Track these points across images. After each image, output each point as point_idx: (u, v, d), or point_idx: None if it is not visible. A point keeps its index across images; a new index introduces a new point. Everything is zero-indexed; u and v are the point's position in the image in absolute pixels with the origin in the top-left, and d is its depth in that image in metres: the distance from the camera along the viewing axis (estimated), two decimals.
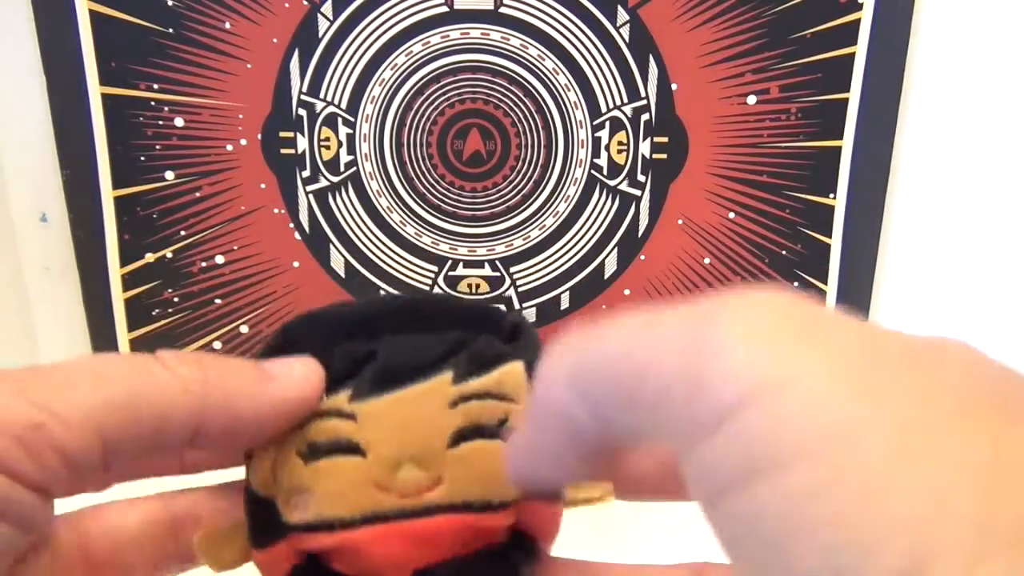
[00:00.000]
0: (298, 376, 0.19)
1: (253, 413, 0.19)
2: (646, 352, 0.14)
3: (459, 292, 0.50)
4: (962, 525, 0.11)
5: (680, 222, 0.48)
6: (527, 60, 0.45)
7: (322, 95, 0.46)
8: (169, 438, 0.18)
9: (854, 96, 0.45)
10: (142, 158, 0.47)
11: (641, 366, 0.14)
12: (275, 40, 0.45)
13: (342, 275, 0.50)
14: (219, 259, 0.49)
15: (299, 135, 0.47)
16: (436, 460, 0.19)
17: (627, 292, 0.50)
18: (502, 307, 0.21)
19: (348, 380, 0.20)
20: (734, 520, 0.13)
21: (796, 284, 0.49)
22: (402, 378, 0.20)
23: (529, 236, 0.49)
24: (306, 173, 0.47)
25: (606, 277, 0.50)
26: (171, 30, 0.45)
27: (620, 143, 0.47)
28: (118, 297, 0.49)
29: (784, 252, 0.49)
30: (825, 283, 0.49)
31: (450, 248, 0.49)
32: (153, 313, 0.50)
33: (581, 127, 0.47)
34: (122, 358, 0.18)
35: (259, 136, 0.47)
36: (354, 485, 0.19)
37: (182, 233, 0.48)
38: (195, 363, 0.18)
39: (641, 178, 0.47)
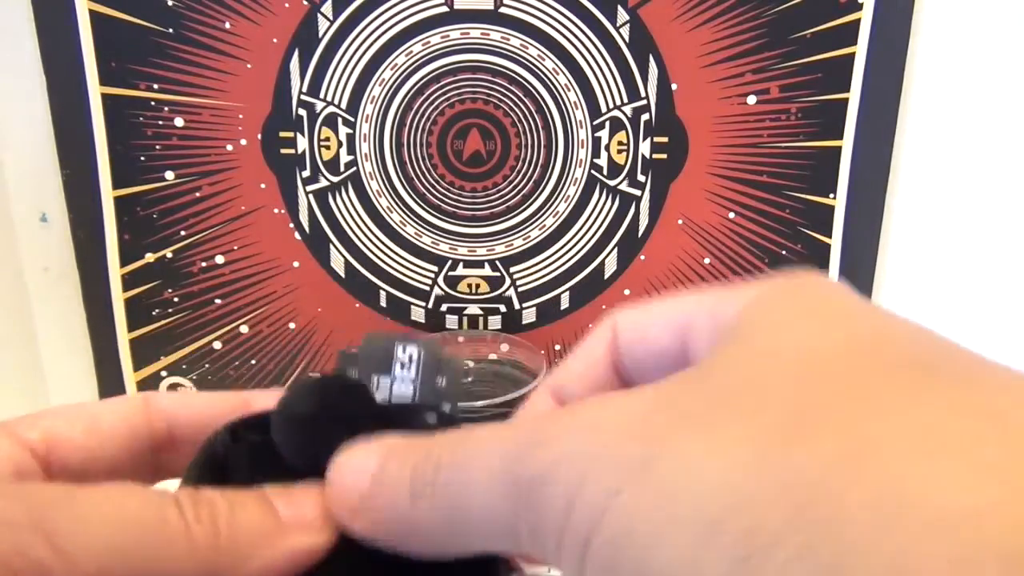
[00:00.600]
0: (309, 520, 0.18)
1: (266, 571, 0.18)
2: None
3: (459, 292, 0.50)
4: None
5: (680, 222, 0.48)
6: (527, 60, 0.45)
7: (322, 95, 0.46)
8: None
9: (854, 96, 0.45)
10: (142, 158, 0.47)
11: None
12: (275, 40, 0.45)
13: (342, 275, 0.50)
14: (219, 259, 0.49)
15: (299, 135, 0.47)
16: None
17: (627, 292, 0.50)
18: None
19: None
20: None
21: None
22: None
23: (529, 236, 0.49)
24: (306, 173, 0.47)
25: (606, 277, 0.50)
26: (171, 30, 0.45)
27: (620, 143, 0.47)
28: (118, 297, 0.49)
29: (784, 252, 0.49)
30: None
31: (450, 248, 0.49)
32: (153, 313, 0.50)
33: (581, 127, 0.47)
34: (142, 495, 0.18)
35: (259, 136, 0.47)
36: None
37: (182, 233, 0.48)
38: (209, 516, 0.17)
39: (641, 178, 0.47)
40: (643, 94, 0.46)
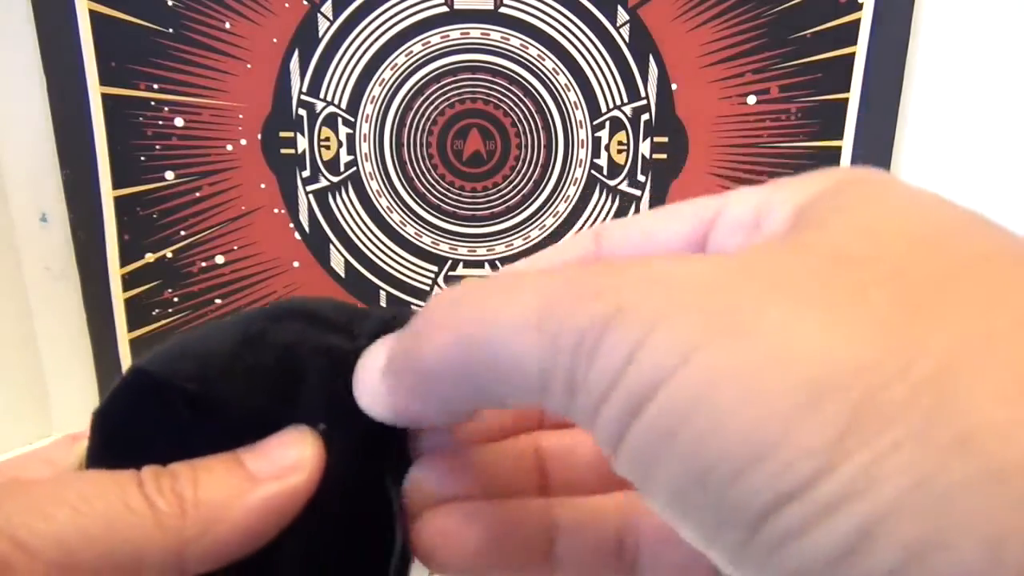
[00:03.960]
0: (285, 465, 0.18)
1: (240, 531, 0.17)
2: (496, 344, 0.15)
3: None
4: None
5: None
6: (527, 60, 0.45)
7: (322, 95, 0.46)
8: (148, 572, 0.17)
9: (854, 96, 0.45)
10: (142, 158, 0.47)
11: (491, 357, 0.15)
12: (275, 40, 0.45)
13: (342, 275, 0.50)
14: (219, 259, 0.49)
15: (299, 135, 0.47)
16: None
17: None
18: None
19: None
20: (626, 465, 0.14)
21: None
22: None
23: (529, 236, 0.49)
24: (306, 173, 0.47)
25: None
26: (171, 30, 0.45)
27: (620, 143, 0.47)
28: (118, 297, 0.49)
29: None
30: None
31: (450, 248, 0.49)
32: (153, 313, 0.50)
33: (581, 127, 0.47)
34: (103, 481, 0.17)
35: (259, 136, 0.47)
36: None
37: (182, 233, 0.48)
38: (171, 487, 0.17)
39: (641, 178, 0.48)
40: (643, 94, 0.46)
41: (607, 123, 0.46)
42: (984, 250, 0.13)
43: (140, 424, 0.19)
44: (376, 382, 0.17)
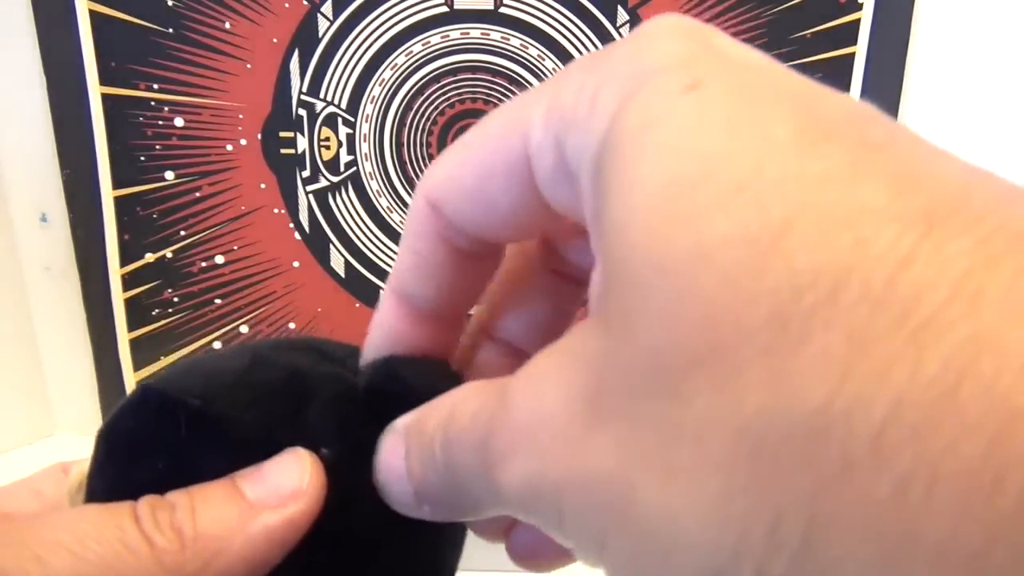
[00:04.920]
0: (284, 493, 0.17)
1: (241, 563, 0.17)
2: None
3: None
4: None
5: None
6: (527, 60, 0.45)
7: (322, 95, 0.46)
8: None
9: (854, 96, 0.45)
10: (142, 158, 0.47)
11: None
12: (275, 40, 0.45)
13: (342, 275, 0.50)
14: (219, 259, 0.49)
15: (299, 135, 0.47)
16: None
17: None
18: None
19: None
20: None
21: None
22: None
23: None
24: (306, 173, 0.47)
25: None
26: (171, 30, 0.45)
27: None
28: (118, 297, 0.49)
29: None
30: None
31: None
32: (153, 313, 0.50)
33: None
34: (98, 519, 0.17)
35: (259, 136, 0.47)
36: None
37: (182, 233, 0.48)
38: (169, 525, 0.17)
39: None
40: None
41: None
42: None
43: (145, 440, 0.18)
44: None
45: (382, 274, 0.50)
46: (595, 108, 0.14)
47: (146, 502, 0.17)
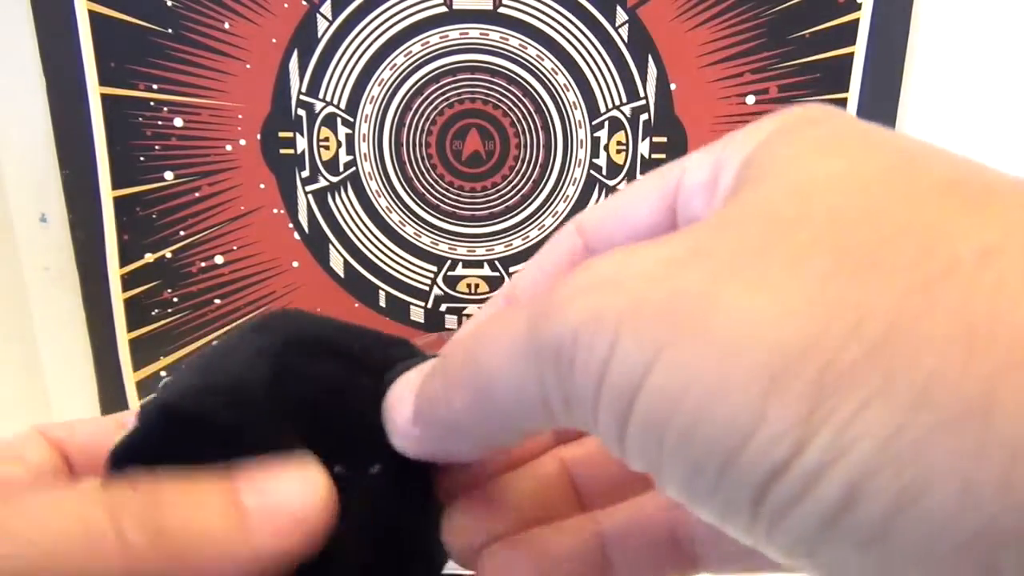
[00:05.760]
0: (290, 516, 0.15)
1: None
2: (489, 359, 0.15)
3: (458, 292, 0.50)
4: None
5: None
6: (526, 60, 0.45)
7: (321, 95, 0.46)
8: None
9: (853, 96, 0.45)
10: (141, 158, 0.47)
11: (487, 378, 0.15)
12: (274, 40, 0.45)
13: (341, 275, 0.50)
14: (218, 259, 0.49)
15: (298, 135, 0.47)
16: None
17: None
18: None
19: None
20: (637, 462, 0.14)
21: None
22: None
23: (528, 236, 0.49)
24: (305, 173, 0.48)
25: None
26: (170, 30, 0.45)
27: (619, 143, 0.47)
28: (118, 297, 0.49)
29: None
30: None
31: (449, 248, 0.49)
32: (153, 313, 0.50)
33: (580, 127, 0.47)
34: (65, 507, 0.14)
35: (258, 136, 0.47)
36: None
37: (181, 233, 0.48)
38: (149, 520, 0.14)
39: (640, 178, 0.47)
40: (642, 94, 0.46)
41: (606, 123, 0.46)
42: (933, 185, 0.13)
43: (168, 462, 0.16)
44: (408, 429, 0.18)
45: (381, 274, 0.50)
46: (749, 131, 0.16)
47: (125, 487, 0.15)
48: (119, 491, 0.15)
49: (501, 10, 0.44)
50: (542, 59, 0.45)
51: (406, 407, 0.18)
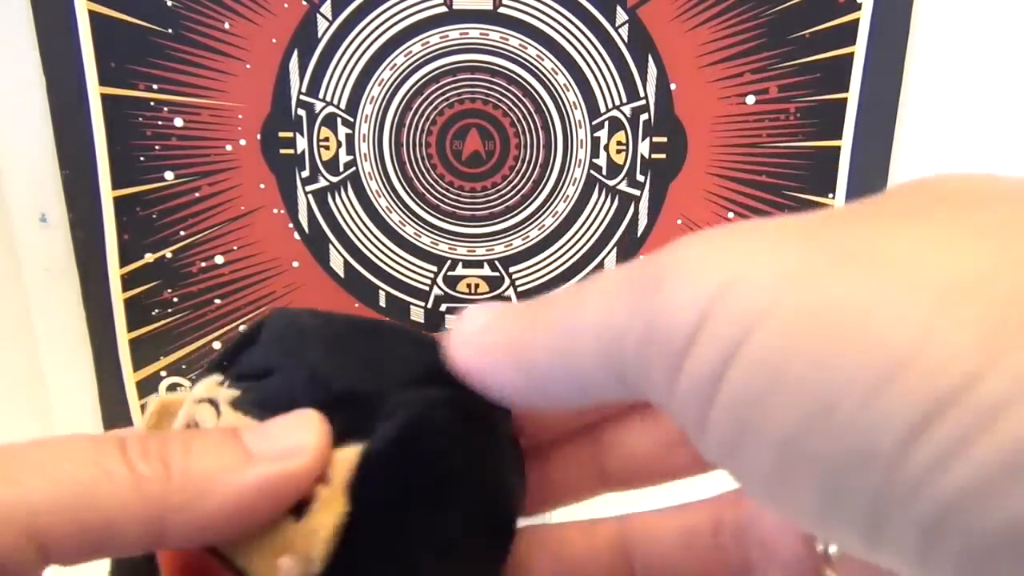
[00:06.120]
0: (286, 447, 0.16)
1: (229, 508, 0.16)
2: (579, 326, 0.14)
3: (458, 292, 0.50)
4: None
5: (679, 222, 0.48)
6: (526, 60, 0.45)
7: (321, 95, 0.46)
8: (121, 543, 0.16)
9: (853, 96, 0.45)
10: (141, 158, 0.47)
11: (577, 342, 0.14)
12: (274, 40, 0.45)
13: (341, 275, 0.50)
14: (219, 259, 0.49)
15: (298, 135, 0.47)
16: None
17: None
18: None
19: (249, 381, 0.18)
20: (723, 423, 0.12)
21: None
22: (269, 410, 0.18)
23: (528, 236, 0.49)
24: (305, 173, 0.48)
25: None
26: (170, 30, 0.45)
27: (619, 143, 0.47)
28: (118, 297, 0.49)
29: None
30: None
31: (449, 248, 0.49)
32: (153, 313, 0.50)
33: (580, 127, 0.47)
34: (83, 444, 0.16)
35: (258, 136, 0.47)
36: None
37: (182, 233, 0.48)
38: (158, 456, 0.16)
39: (640, 178, 0.48)
40: (642, 94, 0.46)
41: (606, 123, 0.46)
42: None
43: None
44: (475, 338, 0.17)
45: (381, 274, 0.50)
46: None
47: (137, 434, 0.17)
48: (130, 437, 0.16)
49: (501, 10, 0.44)
50: (542, 59, 0.45)
51: (479, 320, 0.17)
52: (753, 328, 0.11)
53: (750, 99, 0.46)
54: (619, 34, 0.45)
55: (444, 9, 0.44)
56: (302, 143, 0.47)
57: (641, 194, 0.48)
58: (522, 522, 0.20)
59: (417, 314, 0.51)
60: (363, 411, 0.17)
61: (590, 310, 0.14)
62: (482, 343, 0.17)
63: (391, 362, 0.18)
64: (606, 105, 0.46)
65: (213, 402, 0.18)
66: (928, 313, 0.10)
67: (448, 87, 0.46)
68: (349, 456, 0.17)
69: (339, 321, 0.19)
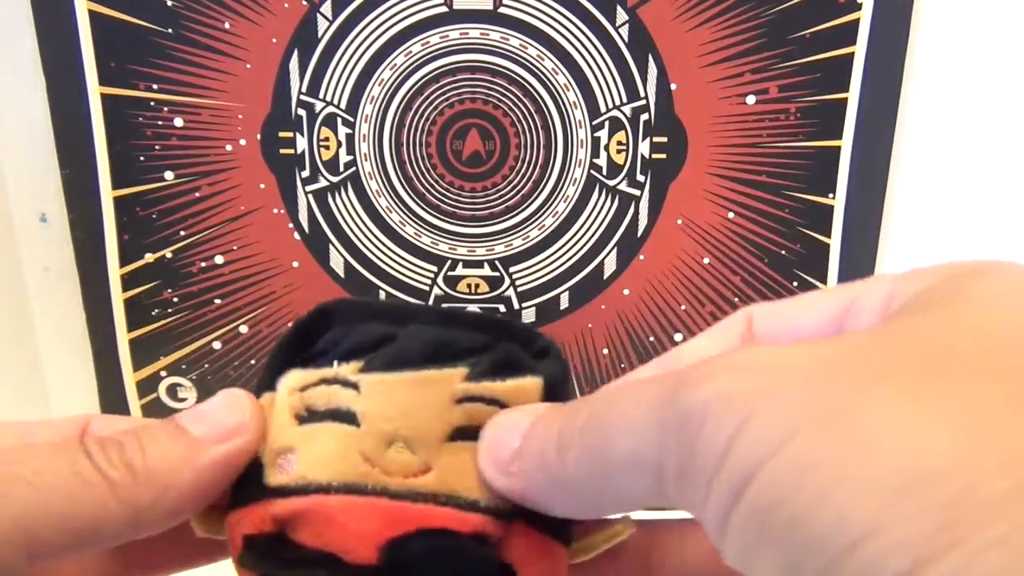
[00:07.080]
0: (229, 428, 0.19)
1: (191, 494, 0.18)
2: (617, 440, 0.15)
3: (459, 292, 0.50)
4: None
5: (679, 222, 0.48)
6: (526, 60, 0.45)
7: (321, 95, 0.46)
8: (105, 541, 0.18)
9: (853, 96, 0.45)
10: (141, 158, 0.47)
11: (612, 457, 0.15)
12: (274, 40, 0.45)
13: (341, 275, 0.50)
14: (219, 259, 0.49)
15: (298, 135, 0.47)
16: (429, 448, 0.19)
17: (626, 292, 0.50)
18: (537, 331, 0.22)
19: (364, 354, 0.20)
20: (732, 557, 0.14)
21: (796, 284, 0.49)
22: (415, 361, 0.19)
23: (528, 236, 0.49)
24: (305, 173, 0.48)
25: (605, 277, 0.50)
26: (170, 30, 0.45)
27: (619, 143, 0.47)
28: (118, 297, 0.49)
29: (783, 252, 0.49)
30: (824, 283, 0.49)
31: (449, 248, 0.49)
32: (153, 313, 0.50)
33: (580, 127, 0.47)
34: (51, 452, 0.18)
35: (258, 136, 0.47)
36: (339, 452, 0.19)
37: (181, 233, 0.48)
38: (120, 459, 0.18)
39: (640, 178, 0.48)
40: (642, 94, 0.46)
41: (606, 123, 0.46)
42: None
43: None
44: (507, 461, 0.18)
45: (381, 274, 0.50)
46: (926, 271, 0.17)
47: (93, 440, 0.18)
48: (90, 443, 0.18)
49: (501, 10, 0.44)
50: (542, 59, 0.45)
51: (511, 439, 0.18)
52: (753, 475, 0.13)
53: (750, 99, 0.46)
54: (619, 34, 0.45)
55: (444, 9, 0.44)
56: (302, 143, 0.47)
57: (641, 194, 0.48)
58: None
59: None
60: (495, 356, 0.20)
61: (625, 441, 0.15)
62: (523, 471, 0.18)
63: (476, 325, 0.21)
64: (606, 105, 0.46)
65: (338, 381, 0.20)
66: (884, 498, 0.11)
67: (448, 87, 0.46)
68: (536, 385, 0.20)
69: (399, 301, 0.23)
